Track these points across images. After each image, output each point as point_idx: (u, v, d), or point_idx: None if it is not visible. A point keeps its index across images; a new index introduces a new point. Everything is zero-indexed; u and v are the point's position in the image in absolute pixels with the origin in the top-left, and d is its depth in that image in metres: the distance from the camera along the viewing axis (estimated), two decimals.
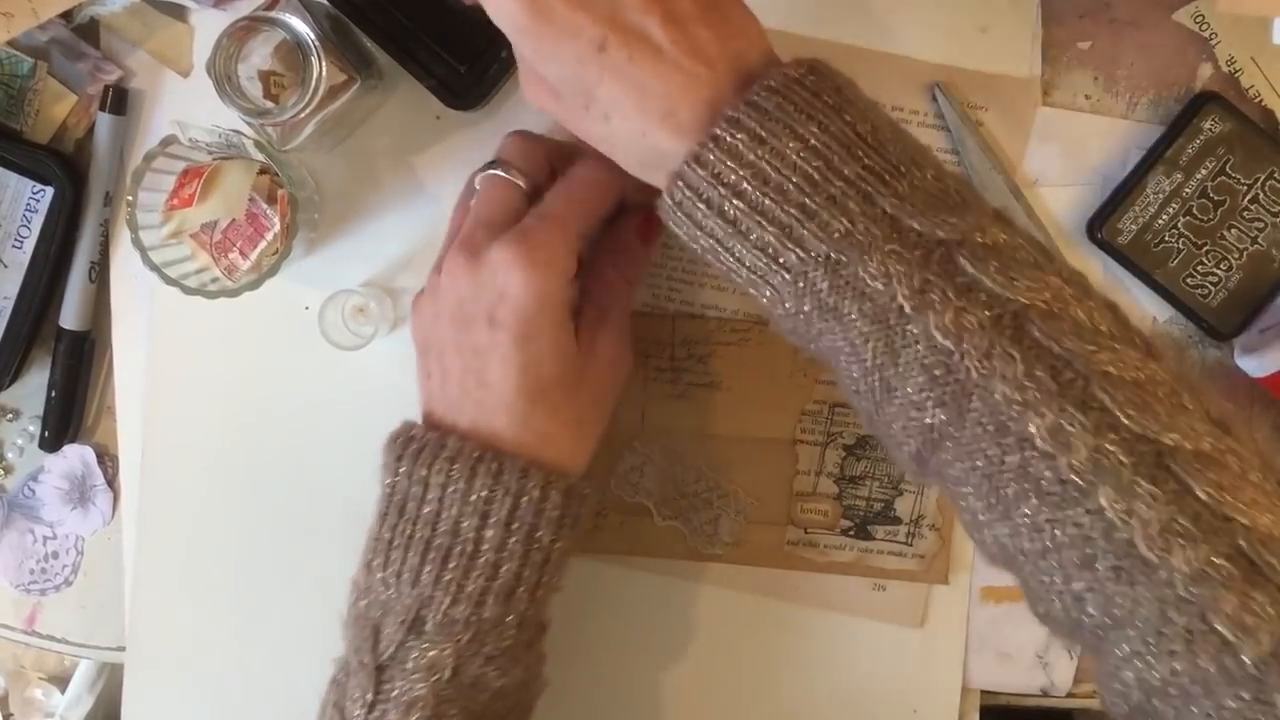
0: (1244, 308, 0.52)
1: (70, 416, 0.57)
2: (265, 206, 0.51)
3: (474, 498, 0.43)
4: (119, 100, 0.55)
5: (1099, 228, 0.52)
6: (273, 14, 0.47)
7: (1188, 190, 0.52)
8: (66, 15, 0.54)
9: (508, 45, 0.52)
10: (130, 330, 0.57)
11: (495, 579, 0.43)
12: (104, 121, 0.55)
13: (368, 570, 0.46)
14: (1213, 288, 0.52)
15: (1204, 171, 0.52)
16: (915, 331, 0.36)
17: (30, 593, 0.59)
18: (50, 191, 0.55)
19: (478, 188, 0.48)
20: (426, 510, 0.43)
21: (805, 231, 0.37)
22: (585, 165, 0.47)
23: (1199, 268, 0.52)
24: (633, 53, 0.38)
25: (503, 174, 0.47)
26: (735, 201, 0.38)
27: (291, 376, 0.56)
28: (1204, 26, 0.53)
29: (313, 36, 0.46)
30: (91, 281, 0.56)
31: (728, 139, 0.37)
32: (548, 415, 0.44)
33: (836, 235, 0.37)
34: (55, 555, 0.59)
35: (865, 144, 0.38)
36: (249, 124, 0.50)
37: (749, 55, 0.39)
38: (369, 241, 0.55)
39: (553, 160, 0.48)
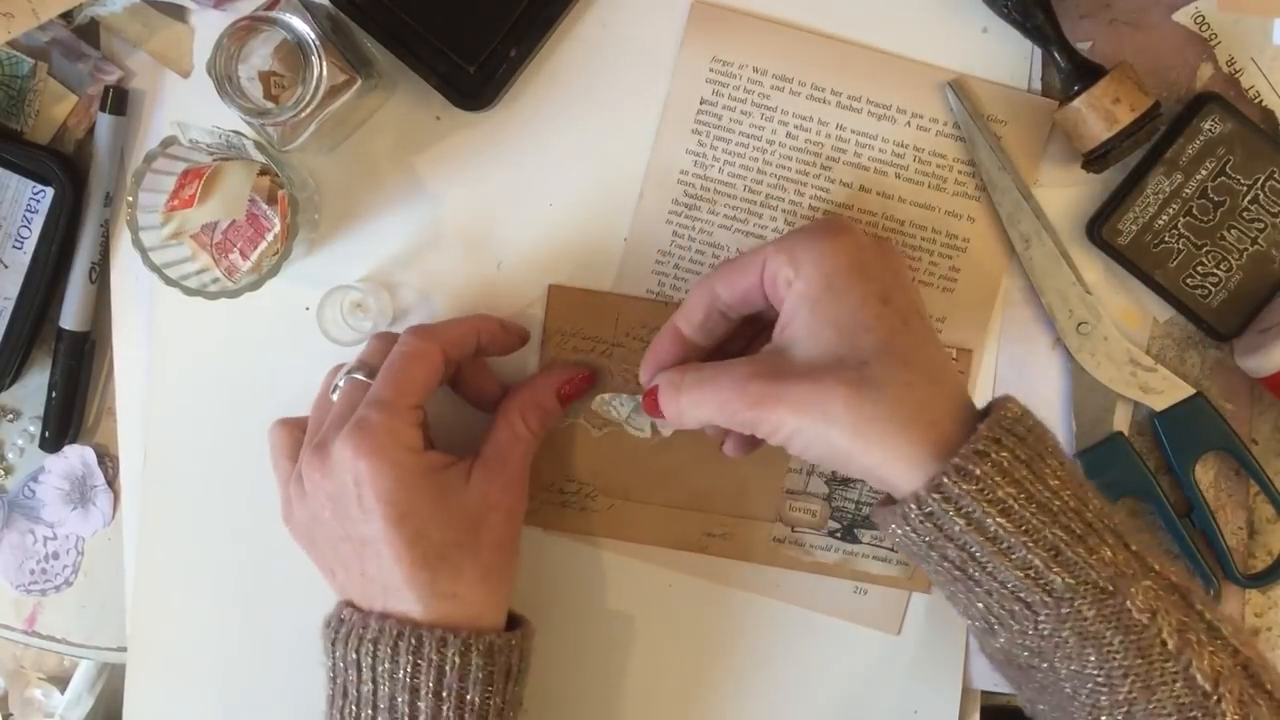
0: (1244, 308, 0.52)
1: (70, 417, 0.57)
2: (266, 207, 0.51)
3: (400, 674, 0.44)
4: (119, 101, 0.55)
5: (1099, 228, 0.53)
6: (273, 14, 0.47)
7: (1188, 191, 0.52)
8: (66, 16, 0.54)
9: (515, 45, 0.52)
10: (130, 331, 0.57)
11: None
12: (104, 122, 0.55)
13: None
14: (1213, 288, 0.52)
15: (1204, 172, 0.52)
16: (1174, 670, 0.37)
17: (30, 593, 0.59)
18: (50, 192, 0.55)
19: (338, 385, 0.49)
20: (364, 690, 0.45)
21: (1073, 555, 0.38)
22: (403, 342, 0.48)
23: (1199, 268, 0.52)
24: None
25: (360, 377, 0.48)
26: (1000, 520, 0.38)
27: (292, 377, 0.56)
28: (1204, 27, 0.53)
29: (313, 36, 0.46)
30: (92, 282, 0.56)
31: (993, 455, 0.38)
32: (452, 577, 0.45)
33: (1104, 564, 0.38)
34: (55, 556, 0.59)
35: (1092, 488, 0.40)
36: (249, 124, 0.50)
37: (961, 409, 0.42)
38: (369, 242, 0.55)
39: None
